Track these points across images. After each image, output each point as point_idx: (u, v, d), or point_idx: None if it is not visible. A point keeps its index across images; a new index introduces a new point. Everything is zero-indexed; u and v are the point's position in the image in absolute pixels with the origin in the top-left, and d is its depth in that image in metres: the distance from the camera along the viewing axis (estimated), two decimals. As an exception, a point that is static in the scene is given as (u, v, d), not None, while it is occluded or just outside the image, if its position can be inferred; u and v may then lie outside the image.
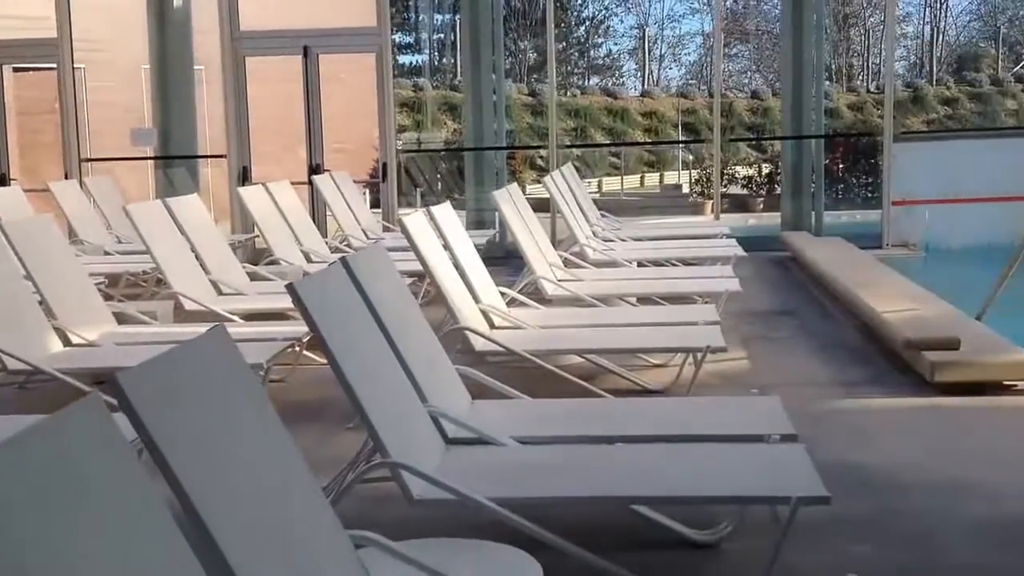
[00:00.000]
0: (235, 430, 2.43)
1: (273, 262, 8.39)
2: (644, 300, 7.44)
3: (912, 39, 38.73)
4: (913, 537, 3.83)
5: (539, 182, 13.74)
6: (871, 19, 38.75)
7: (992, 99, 27.65)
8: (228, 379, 2.50)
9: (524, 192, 9.00)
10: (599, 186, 23.93)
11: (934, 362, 5.69)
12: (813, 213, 12.58)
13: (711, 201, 17.47)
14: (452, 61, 30.86)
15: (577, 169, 11.93)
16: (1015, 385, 5.64)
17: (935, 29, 39.14)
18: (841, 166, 19.50)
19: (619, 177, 24.38)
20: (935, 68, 36.02)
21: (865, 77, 36.75)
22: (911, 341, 5.97)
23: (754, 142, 27.44)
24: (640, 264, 8.64)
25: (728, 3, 36.46)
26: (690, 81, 38.81)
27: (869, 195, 18.51)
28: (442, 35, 33.22)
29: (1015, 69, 29.98)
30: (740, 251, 8.61)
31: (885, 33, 37.65)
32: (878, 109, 28.11)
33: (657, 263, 8.76)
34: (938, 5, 39.08)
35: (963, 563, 3.67)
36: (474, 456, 3.73)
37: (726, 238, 9.62)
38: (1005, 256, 10.12)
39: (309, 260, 8.74)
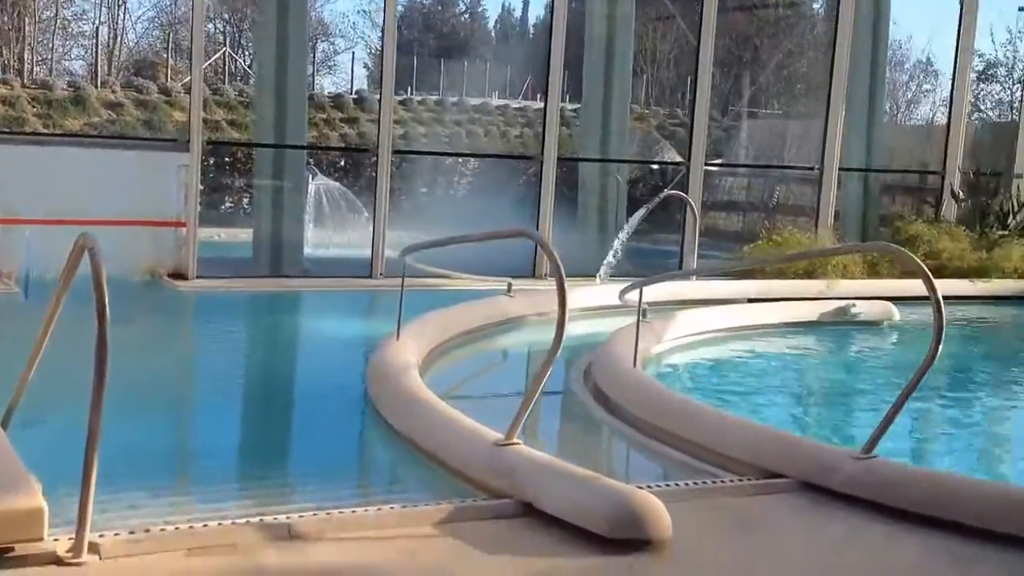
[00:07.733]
0: None
1: None
2: None
3: (89, 38, 36.26)
4: None
5: None
6: (45, 13, 35.47)
7: (159, 108, 26.08)
8: None
9: None
10: None
11: None
12: None
13: None
14: None
15: None
16: (12, 549, 3.51)
17: (112, 31, 37.17)
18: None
19: None
20: (110, 71, 33.91)
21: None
22: None
23: None
24: None
25: None
26: None
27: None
28: None
29: (185, 80, 29.01)
30: None
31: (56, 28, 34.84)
32: (33, 106, 24.92)
33: None
34: (116, 7, 37.19)
35: None
36: None
37: None
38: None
39: None
